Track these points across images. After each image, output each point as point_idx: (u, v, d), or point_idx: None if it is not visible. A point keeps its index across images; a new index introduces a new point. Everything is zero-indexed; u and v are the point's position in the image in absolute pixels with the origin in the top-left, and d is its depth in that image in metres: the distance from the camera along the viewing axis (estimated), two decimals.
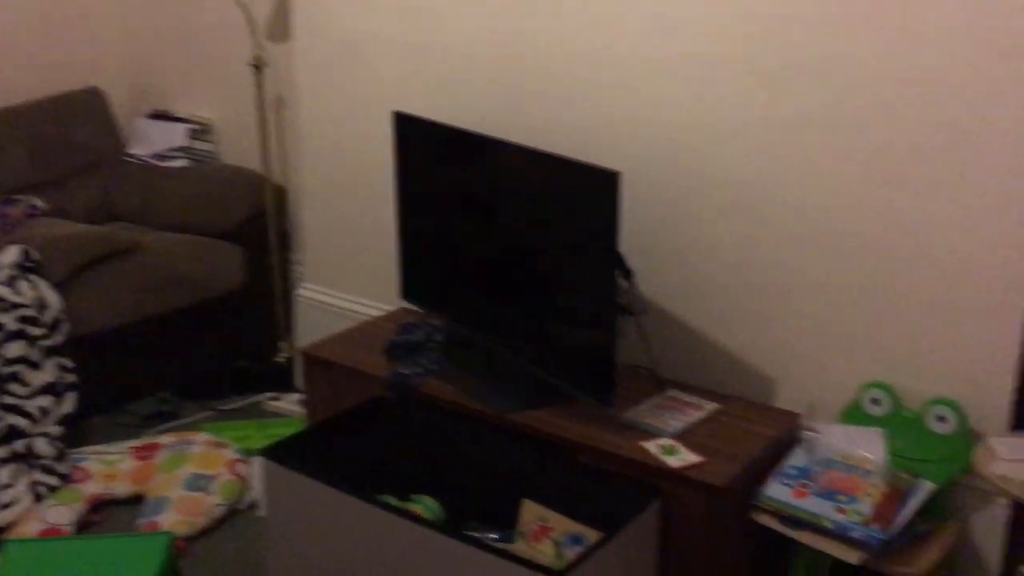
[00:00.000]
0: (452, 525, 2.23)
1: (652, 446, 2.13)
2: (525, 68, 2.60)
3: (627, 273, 2.20)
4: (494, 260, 2.43)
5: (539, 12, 2.54)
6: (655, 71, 2.37)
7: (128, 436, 3.02)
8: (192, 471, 2.67)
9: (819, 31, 2.14)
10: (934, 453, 2.11)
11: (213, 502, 2.61)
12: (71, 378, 2.88)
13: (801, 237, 2.26)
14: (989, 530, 2.14)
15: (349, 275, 3.19)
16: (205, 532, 2.57)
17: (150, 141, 3.75)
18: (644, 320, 2.37)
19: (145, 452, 2.78)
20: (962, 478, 2.14)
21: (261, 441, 2.96)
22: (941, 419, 2.11)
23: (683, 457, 2.08)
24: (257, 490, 2.73)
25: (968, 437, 2.09)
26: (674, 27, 2.33)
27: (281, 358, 3.49)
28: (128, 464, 2.73)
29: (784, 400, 2.37)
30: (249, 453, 2.87)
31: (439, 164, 2.56)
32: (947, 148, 2.04)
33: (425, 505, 2.36)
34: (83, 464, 2.72)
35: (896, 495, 2.03)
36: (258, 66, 3.32)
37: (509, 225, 2.36)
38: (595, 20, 2.44)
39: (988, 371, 2.09)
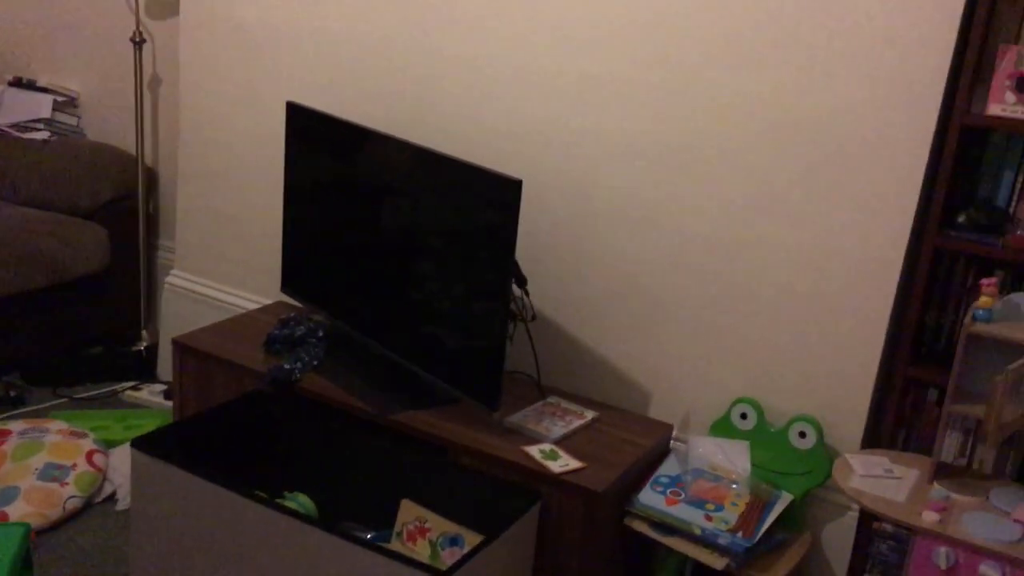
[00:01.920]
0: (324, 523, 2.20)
1: (534, 451, 2.17)
2: (427, 74, 2.61)
3: (521, 280, 2.25)
4: (382, 258, 2.42)
5: (437, 18, 2.56)
6: (552, 84, 2.43)
7: None
8: (47, 460, 2.52)
9: (713, 59, 2.25)
10: (794, 466, 2.25)
11: (68, 493, 2.47)
12: None
13: (681, 257, 2.37)
14: (839, 540, 2.29)
15: (223, 265, 3.10)
16: (58, 524, 2.44)
17: (10, 110, 3.53)
18: (531, 328, 2.42)
19: None
20: (817, 491, 2.29)
21: (120, 432, 2.84)
22: (802, 435, 2.25)
23: (564, 462, 2.14)
24: (115, 483, 2.61)
25: (825, 453, 2.24)
26: (575, 44, 2.39)
27: (140, 346, 3.35)
28: None
29: (659, 411, 2.47)
30: (108, 444, 2.74)
31: (331, 158, 2.53)
32: (818, 182, 2.19)
33: (299, 502, 2.32)
34: None
35: (758, 505, 2.15)
36: (138, 41, 3.19)
37: (400, 225, 2.36)
38: (502, 34, 2.48)
39: (847, 393, 2.24)
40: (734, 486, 2.19)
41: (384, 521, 2.27)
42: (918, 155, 2.07)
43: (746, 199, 2.27)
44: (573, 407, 2.40)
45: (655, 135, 2.34)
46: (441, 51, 2.57)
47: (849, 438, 2.25)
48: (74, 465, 2.55)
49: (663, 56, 2.29)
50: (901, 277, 2.16)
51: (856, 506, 2.26)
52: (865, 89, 2.10)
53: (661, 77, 2.30)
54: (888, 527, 2.17)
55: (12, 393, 3.01)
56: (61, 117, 3.56)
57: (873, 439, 2.29)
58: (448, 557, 2.13)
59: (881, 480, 2.02)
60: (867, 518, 2.21)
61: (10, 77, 3.61)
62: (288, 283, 2.73)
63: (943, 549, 1.87)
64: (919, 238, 2.15)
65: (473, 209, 2.17)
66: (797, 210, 2.22)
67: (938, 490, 1.97)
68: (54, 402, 3.04)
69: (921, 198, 2.11)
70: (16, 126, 3.49)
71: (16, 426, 2.68)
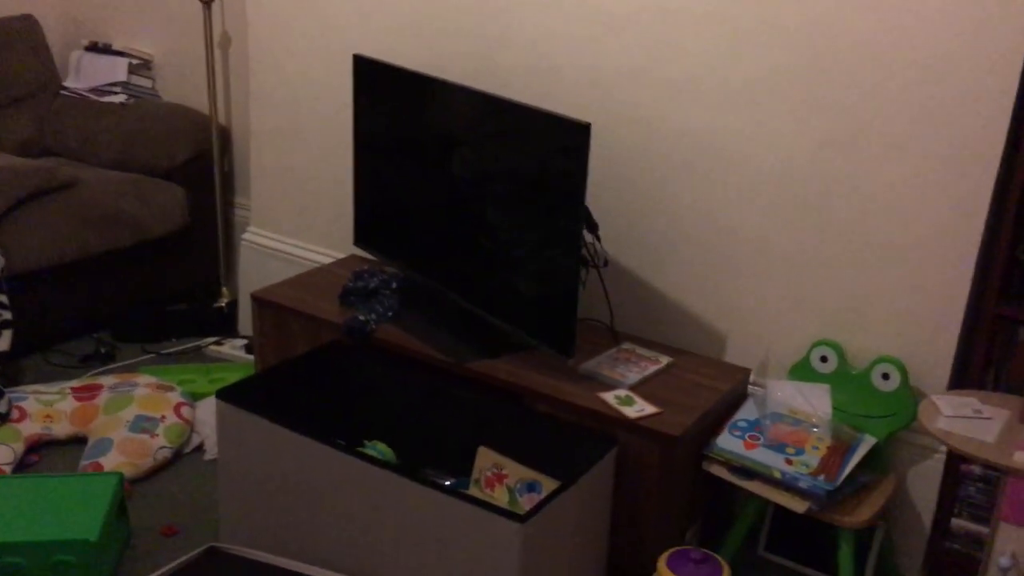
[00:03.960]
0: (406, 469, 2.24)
1: (609, 397, 2.17)
2: (491, 17, 2.58)
3: (592, 227, 2.22)
4: (453, 208, 2.42)
5: None
6: (621, 23, 2.38)
7: (65, 376, 2.94)
8: (137, 413, 2.61)
9: None
10: (878, 409, 2.20)
11: (158, 444, 2.56)
12: (7, 315, 2.78)
13: (756, 198, 2.31)
14: (925, 483, 2.24)
15: (297, 220, 3.14)
16: (149, 474, 2.53)
17: (87, 74, 3.61)
18: (603, 274, 2.40)
19: (86, 393, 2.70)
20: (902, 433, 2.23)
21: (205, 385, 2.92)
22: (885, 376, 2.19)
23: (640, 408, 2.13)
24: (203, 434, 2.70)
25: (910, 395, 2.18)
26: None
27: (221, 302, 3.43)
28: (68, 404, 2.66)
29: (735, 356, 2.43)
30: (194, 397, 2.83)
31: (399, 110, 2.53)
32: (901, 116, 2.10)
33: (378, 451, 2.37)
34: (21, 403, 2.63)
35: (841, 448, 2.11)
36: (208, 1, 3.21)
37: (470, 173, 2.36)
38: None
39: (932, 332, 2.18)
40: (815, 430, 2.16)
41: (462, 469, 2.30)
42: (1007, 86, 1.97)
43: (824, 135, 2.20)
44: (648, 353, 2.38)
45: (724, 72, 2.27)
46: None
47: (935, 379, 2.19)
48: (163, 417, 2.63)
49: None
50: (989, 211, 2.07)
51: (943, 448, 2.20)
52: (951, 18, 2.00)
53: (730, 10, 2.23)
54: (977, 469, 2.11)
55: (102, 350, 3.12)
56: (136, 80, 3.62)
57: (961, 380, 2.22)
58: (526, 503, 2.15)
59: (970, 421, 1.96)
60: (955, 460, 2.15)
61: (86, 42, 3.68)
62: (361, 236, 2.75)
63: None
64: (1008, 170, 2.06)
65: (542, 155, 2.14)
66: (878, 145, 2.14)
67: None
68: (142, 358, 3.14)
69: (1010, 130, 2.01)
70: (94, 90, 3.57)
71: (107, 380, 2.78)
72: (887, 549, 2.28)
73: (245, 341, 3.25)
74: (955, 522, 2.16)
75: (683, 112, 2.35)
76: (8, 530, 2.05)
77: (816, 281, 2.29)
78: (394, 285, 2.60)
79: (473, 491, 2.25)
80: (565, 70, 2.49)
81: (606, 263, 2.45)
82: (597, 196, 2.50)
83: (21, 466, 2.53)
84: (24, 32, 3.53)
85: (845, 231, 2.23)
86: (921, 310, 2.18)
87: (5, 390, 2.66)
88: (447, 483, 2.24)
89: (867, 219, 2.20)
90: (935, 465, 2.22)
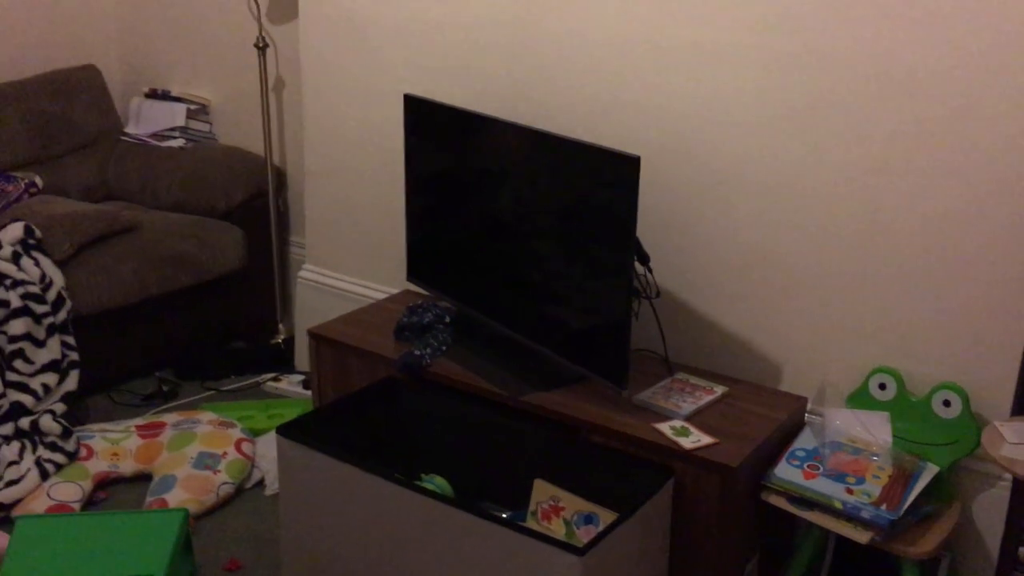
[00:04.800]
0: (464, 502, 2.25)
1: (665, 427, 2.16)
2: (534, 52, 2.62)
3: (643, 258, 2.23)
4: (504, 242, 2.45)
5: None
6: (667, 58, 2.40)
7: (128, 415, 3.02)
8: (200, 450, 2.67)
9: (831, 20, 2.17)
10: (939, 437, 2.17)
11: (220, 480, 2.61)
12: (73, 356, 2.87)
13: (809, 224, 2.30)
14: (990, 511, 2.20)
15: (351, 257, 3.20)
16: (213, 510, 2.58)
17: (147, 120, 3.73)
18: (655, 304, 2.40)
19: (150, 430, 2.77)
20: (965, 461, 2.20)
21: (264, 421, 2.97)
22: (947, 403, 2.16)
23: (696, 438, 2.12)
24: (263, 469, 2.74)
25: (972, 421, 2.15)
26: (686, 15, 2.36)
27: (279, 339, 3.49)
28: (133, 442, 2.73)
29: (791, 384, 2.41)
30: (254, 433, 2.88)
31: (449, 147, 2.57)
32: (955, 136, 2.09)
33: (435, 484, 2.38)
34: (88, 442, 2.71)
35: (902, 477, 2.09)
36: (262, 47, 3.31)
37: (521, 208, 2.39)
38: (606, 5, 2.47)
39: (993, 357, 2.14)
40: (875, 458, 2.13)
41: (518, 501, 2.31)
42: None
43: (873, 160, 2.19)
44: (702, 382, 2.37)
45: (770, 100, 2.28)
46: (546, 28, 2.57)
47: (997, 405, 2.15)
48: (224, 453, 2.68)
49: (775, 18, 2.23)
50: None
51: (1008, 476, 2.16)
52: (992, 39, 1.99)
53: (774, 40, 2.24)
54: None
55: (165, 388, 3.19)
56: (194, 124, 3.73)
57: (1023, 405, 2.18)
58: (583, 535, 2.15)
59: None
60: (1021, 488, 2.11)
61: (146, 89, 3.81)
62: (414, 272, 2.79)
63: None
64: None
65: (592, 188, 2.17)
66: (929, 169, 2.13)
67: None
68: (202, 395, 3.21)
69: None
70: (154, 135, 3.68)
71: (170, 418, 2.85)
72: None
73: (302, 377, 3.31)
74: (1023, 551, 2.11)
75: (731, 142, 2.36)
76: (77, 568, 2.11)
77: (872, 308, 2.27)
78: (448, 319, 2.63)
79: (530, 523, 2.25)
80: (611, 104, 2.51)
81: (658, 294, 2.45)
82: (647, 227, 2.52)
83: (89, 503, 2.60)
84: (87, 81, 3.67)
85: (900, 256, 2.21)
86: (981, 335, 2.15)
87: (73, 429, 2.74)
88: (504, 516, 2.25)
89: (922, 243, 2.18)
90: (1000, 493, 2.18)
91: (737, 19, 2.29)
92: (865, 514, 1.99)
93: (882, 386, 2.25)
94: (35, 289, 2.78)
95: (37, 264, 2.83)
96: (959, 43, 2.04)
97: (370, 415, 2.43)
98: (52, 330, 2.81)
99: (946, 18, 2.04)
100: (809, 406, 2.38)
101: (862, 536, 2.00)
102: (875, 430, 2.18)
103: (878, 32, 2.13)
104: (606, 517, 2.12)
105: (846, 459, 2.14)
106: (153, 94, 3.77)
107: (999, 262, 2.10)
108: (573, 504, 2.20)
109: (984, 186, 2.08)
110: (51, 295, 2.83)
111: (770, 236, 2.36)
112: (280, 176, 3.61)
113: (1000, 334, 2.13)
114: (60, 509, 2.49)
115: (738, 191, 2.38)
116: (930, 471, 2.10)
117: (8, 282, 2.74)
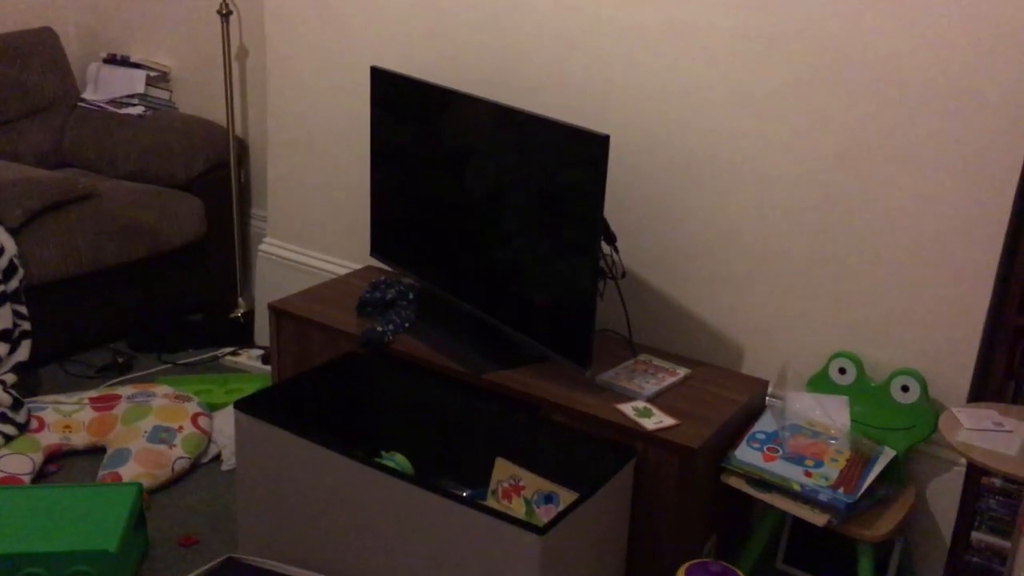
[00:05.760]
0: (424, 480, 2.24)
1: (627, 408, 2.16)
2: (506, 27, 2.59)
3: (610, 238, 2.22)
4: (470, 220, 2.43)
5: None
6: (637, 37, 2.39)
7: (82, 387, 2.96)
8: (155, 423, 2.63)
9: (806, 3, 2.17)
10: (897, 422, 2.19)
11: (176, 455, 2.57)
12: (26, 325, 2.80)
13: (774, 209, 2.31)
14: (945, 496, 2.23)
15: (313, 231, 3.15)
16: (167, 484, 2.54)
17: (106, 86, 3.64)
18: (621, 285, 2.40)
19: (104, 403, 2.72)
20: (921, 446, 2.22)
21: (222, 396, 2.93)
22: (905, 389, 2.19)
23: (658, 420, 2.12)
24: (220, 444, 2.71)
25: (930, 407, 2.17)
26: None
27: (238, 313, 3.44)
28: (86, 414, 2.68)
29: (753, 367, 2.43)
30: (211, 407, 2.84)
31: (416, 121, 2.54)
32: (919, 128, 2.10)
33: (395, 462, 2.37)
34: (40, 414, 2.65)
35: (860, 461, 2.11)
36: (225, 13, 3.24)
37: (487, 185, 2.36)
38: None
39: (952, 344, 2.17)
40: (833, 442, 2.15)
41: (479, 480, 2.30)
42: None
43: (841, 147, 2.20)
44: (665, 364, 2.38)
45: (741, 82, 2.27)
46: (519, 3, 2.54)
47: (955, 391, 2.18)
48: (180, 428, 2.64)
49: (752, 1, 2.22)
50: (1009, 222, 2.06)
51: (963, 461, 2.19)
52: (970, 32, 2.00)
53: (748, 21, 2.24)
54: (997, 482, 2.10)
55: (120, 359, 3.13)
56: (154, 92, 3.65)
57: (981, 392, 2.21)
58: (543, 514, 2.15)
59: (990, 434, 1.95)
60: (975, 473, 2.14)
61: (104, 54, 3.71)
62: (377, 247, 2.76)
63: None
64: None
65: (560, 166, 2.15)
66: (897, 157, 2.14)
67: None
68: (159, 368, 3.16)
69: None
70: (112, 102, 3.60)
71: (125, 391, 2.80)
72: (906, 563, 2.26)
73: (261, 352, 3.27)
74: (975, 535, 2.15)
75: (700, 124, 2.35)
76: (28, 540, 2.06)
77: (834, 293, 2.28)
78: (411, 296, 2.61)
79: (490, 502, 2.24)
80: (582, 82, 2.49)
81: (624, 274, 2.45)
82: (615, 207, 2.51)
83: (40, 476, 2.54)
84: (43, 44, 3.57)
85: (863, 243, 2.22)
86: (941, 322, 2.17)
87: (24, 400, 2.67)
88: (464, 494, 2.24)
89: (885, 231, 2.19)
90: (955, 478, 2.21)
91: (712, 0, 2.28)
92: (823, 497, 2.01)
93: (842, 370, 2.26)
94: None
95: None
96: (933, 31, 2.05)
97: (330, 391, 2.41)
98: (3, 299, 2.74)
99: (923, 4, 2.04)
100: (770, 389, 2.40)
101: (819, 519, 2.02)
102: (834, 414, 2.20)
103: (853, 17, 2.12)
104: (567, 497, 2.12)
105: (805, 442, 2.16)
106: (112, 59, 3.68)
107: (959, 250, 2.12)
108: (534, 483, 2.19)
109: (947, 175, 2.09)
110: (2, 263, 2.76)
111: (736, 220, 2.36)
112: (242, 147, 3.54)
113: (959, 321, 2.15)
114: (10, 482, 2.43)
115: (706, 174, 2.38)
116: (887, 455, 2.12)
117: None
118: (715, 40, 2.29)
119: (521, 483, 2.21)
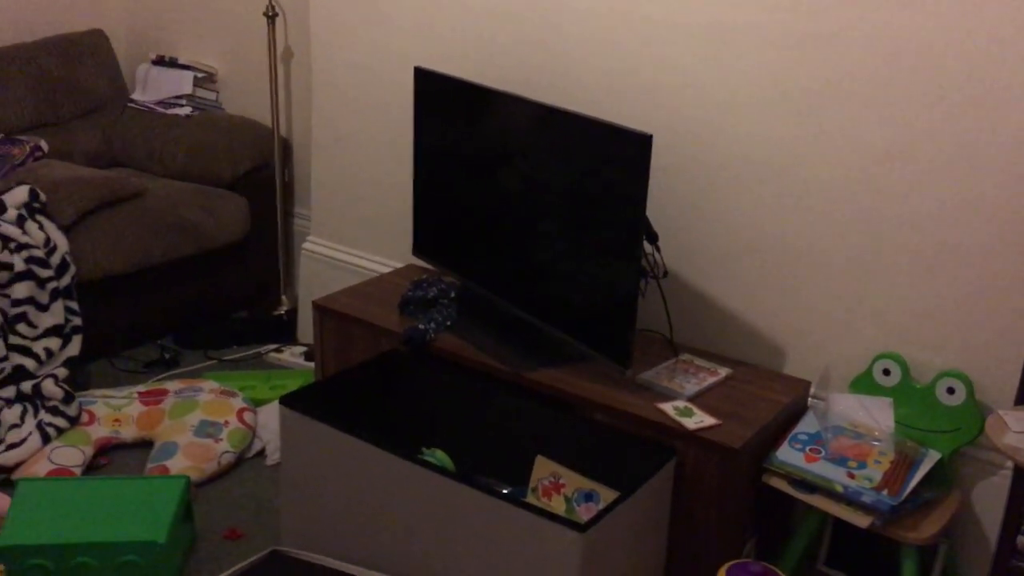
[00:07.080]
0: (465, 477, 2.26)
1: (668, 407, 2.16)
2: (550, 27, 2.60)
3: (652, 237, 2.23)
4: (512, 219, 2.44)
5: None
6: (682, 37, 2.38)
7: (130, 381, 3.02)
8: (201, 418, 2.67)
9: (847, 1, 2.15)
10: (942, 424, 2.17)
11: (222, 449, 2.62)
12: (76, 321, 2.87)
13: (817, 208, 2.29)
14: (991, 499, 2.20)
15: (356, 230, 3.19)
16: (214, 478, 2.59)
17: (154, 87, 3.71)
18: (662, 284, 2.40)
19: (152, 397, 2.77)
20: (967, 449, 2.20)
21: (266, 392, 2.97)
22: (950, 391, 2.16)
23: (699, 419, 2.12)
24: (264, 439, 2.75)
25: (976, 409, 2.14)
26: None
27: (281, 310, 3.49)
28: (135, 408, 2.73)
29: (795, 368, 2.41)
30: (256, 403, 2.88)
31: (459, 121, 2.56)
32: (966, 124, 2.07)
33: (436, 458, 2.39)
34: (90, 407, 2.71)
35: (904, 463, 2.09)
36: (271, 15, 3.28)
37: (529, 184, 2.37)
38: None
39: (998, 346, 2.14)
40: (877, 443, 2.13)
41: (519, 477, 2.31)
42: None
43: (885, 144, 2.18)
44: (706, 364, 2.37)
45: (783, 81, 2.26)
46: (562, 3, 2.55)
47: (1002, 394, 2.15)
48: (226, 422, 2.69)
49: (794, 1, 2.21)
50: None
51: (1010, 464, 2.16)
52: (1014, 30, 1.97)
53: (789, 20, 2.22)
54: None
55: (166, 355, 3.19)
56: (201, 92, 3.71)
57: None
58: (584, 512, 2.15)
59: None
60: (1021, 476, 2.11)
61: (153, 56, 3.78)
62: (419, 246, 2.78)
63: None
64: None
65: (603, 165, 2.15)
66: (941, 155, 2.12)
67: None
68: (204, 364, 3.21)
69: None
70: (160, 103, 3.66)
71: (172, 386, 2.85)
72: (951, 567, 2.24)
73: (304, 348, 3.31)
74: (1021, 539, 2.12)
75: (742, 123, 2.35)
76: (77, 531, 2.11)
77: (878, 293, 2.26)
78: (453, 294, 2.63)
79: (530, 500, 2.25)
80: (625, 81, 2.50)
81: (665, 273, 2.44)
82: (657, 207, 2.51)
83: (90, 469, 2.60)
84: (93, 46, 3.64)
85: (908, 243, 2.20)
86: (987, 323, 2.15)
87: (75, 394, 2.74)
88: (505, 491, 2.25)
89: (930, 231, 2.17)
90: (1001, 481, 2.18)
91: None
92: (866, 498, 2.00)
93: (886, 372, 2.24)
94: (39, 253, 2.77)
95: (41, 228, 2.82)
96: (974, 29, 2.02)
97: (373, 388, 2.43)
98: (56, 294, 2.81)
99: (963, 3, 2.02)
100: (812, 390, 2.38)
101: (862, 520, 2.00)
102: (878, 415, 2.18)
103: (894, 14, 2.11)
104: (606, 495, 2.13)
105: (848, 443, 2.14)
106: (160, 61, 3.75)
107: (1007, 250, 2.09)
108: (574, 481, 2.20)
109: (993, 174, 2.07)
110: (55, 259, 2.82)
111: (778, 219, 2.35)
112: (286, 147, 3.59)
113: (1006, 322, 2.12)
114: (61, 473, 2.49)
115: (747, 173, 2.37)
116: (932, 458, 2.10)
117: (12, 245, 2.73)
118: (756, 39, 2.28)
119: (561, 481, 2.22)
